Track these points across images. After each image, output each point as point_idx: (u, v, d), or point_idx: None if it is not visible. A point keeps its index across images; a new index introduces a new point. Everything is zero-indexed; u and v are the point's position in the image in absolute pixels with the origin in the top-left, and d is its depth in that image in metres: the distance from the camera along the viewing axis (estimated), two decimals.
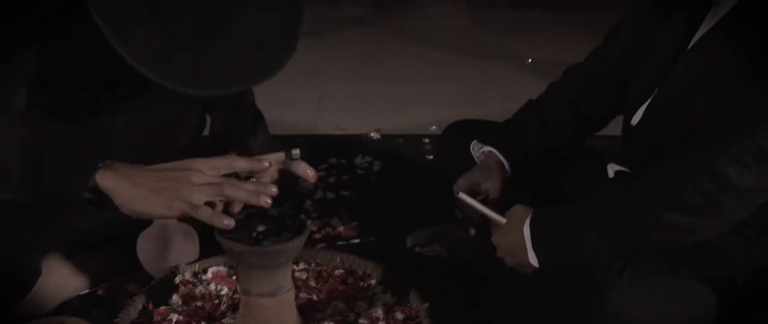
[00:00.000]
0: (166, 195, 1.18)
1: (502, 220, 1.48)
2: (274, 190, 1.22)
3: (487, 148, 1.64)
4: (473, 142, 1.69)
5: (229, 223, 1.18)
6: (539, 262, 1.40)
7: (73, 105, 1.48)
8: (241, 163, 1.25)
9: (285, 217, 1.28)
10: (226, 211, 1.25)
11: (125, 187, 1.19)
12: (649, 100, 1.45)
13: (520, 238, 1.41)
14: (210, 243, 1.55)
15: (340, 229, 1.89)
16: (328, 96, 3.29)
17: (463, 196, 1.52)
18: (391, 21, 5.06)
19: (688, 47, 1.40)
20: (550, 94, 1.71)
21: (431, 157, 2.44)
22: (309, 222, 1.29)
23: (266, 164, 1.27)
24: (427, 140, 2.61)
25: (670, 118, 1.39)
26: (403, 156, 2.48)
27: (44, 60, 1.38)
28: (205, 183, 1.20)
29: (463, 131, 1.77)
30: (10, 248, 1.48)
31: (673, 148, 1.34)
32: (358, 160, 2.41)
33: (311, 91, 3.30)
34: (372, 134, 2.68)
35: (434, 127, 2.76)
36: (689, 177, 1.25)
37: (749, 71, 1.27)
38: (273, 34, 1.32)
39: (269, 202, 1.21)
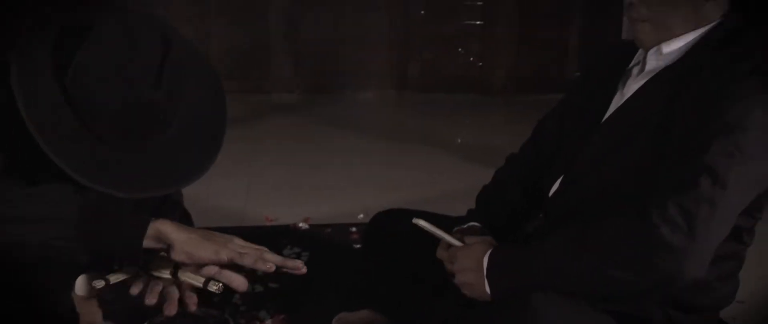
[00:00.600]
0: (217, 245, 1.38)
1: (458, 243, 1.54)
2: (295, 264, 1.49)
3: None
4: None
5: (271, 266, 1.42)
6: (492, 293, 1.46)
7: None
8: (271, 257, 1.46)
9: (208, 317, 1.31)
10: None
11: (183, 232, 1.37)
12: (566, 172, 1.56)
13: (478, 270, 1.47)
14: None
15: (268, 322, 1.91)
16: (256, 185, 3.32)
17: (419, 221, 1.56)
18: (321, 108, 5.15)
19: (601, 122, 1.54)
20: (503, 178, 1.82)
21: (359, 246, 2.48)
22: (230, 320, 1.33)
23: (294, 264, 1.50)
24: (353, 229, 2.66)
25: (585, 186, 1.51)
26: (331, 245, 2.53)
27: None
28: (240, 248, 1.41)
29: (391, 220, 1.84)
30: None
31: (588, 213, 1.44)
32: (287, 251, 2.44)
33: (239, 181, 3.33)
34: (300, 224, 2.72)
35: (362, 216, 2.81)
36: (624, 238, 1.34)
37: (654, 145, 1.39)
38: (199, 140, 1.39)
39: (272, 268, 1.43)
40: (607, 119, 1.53)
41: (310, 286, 2.16)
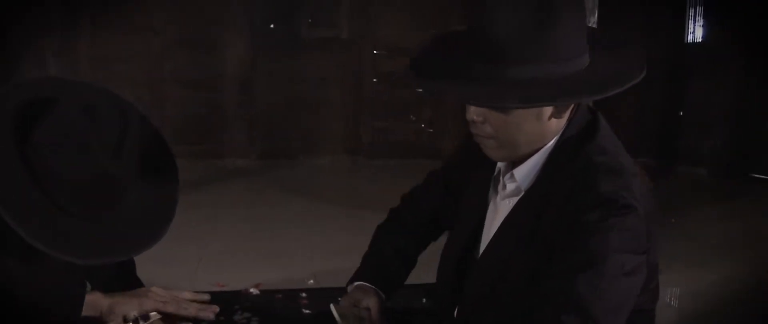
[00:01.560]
0: (138, 297, 1.60)
1: None
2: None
3: (357, 283, 1.82)
4: (348, 285, 1.86)
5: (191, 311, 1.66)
6: None
7: None
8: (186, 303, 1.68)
9: None
10: None
11: (108, 298, 1.58)
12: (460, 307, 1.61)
13: None
14: None
15: None
16: (209, 251, 3.35)
17: (333, 307, 1.67)
18: (276, 172, 5.20)
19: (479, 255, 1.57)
20: (394, 220, 1.91)
21: (308, 311, 2.51)
22: None
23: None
24: (303, 295, 2.69)
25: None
26: (281, 311, 2.55)
27: None
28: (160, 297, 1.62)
29: None
30: None
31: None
32: (237, 316, 2.46)
33: (192, 247, 3.35)
34: (251, 290, 2.74)
35: (311, 281, 2.86)
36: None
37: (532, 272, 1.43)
38: (152, 210, 1.47)
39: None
40: (483, 254, 1.56)
41: None
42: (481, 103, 1.41)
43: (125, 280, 1.86)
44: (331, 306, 1.95)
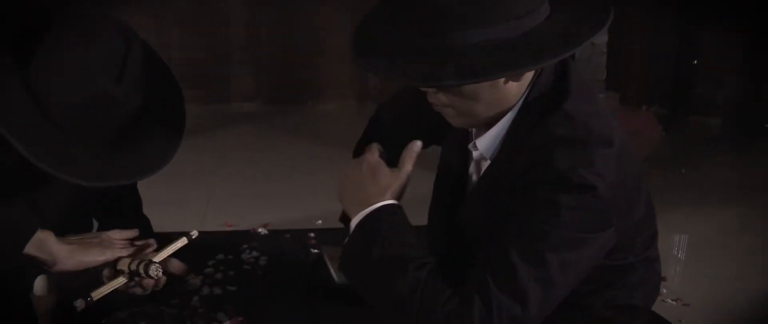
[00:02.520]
0: (94, 248, 1.49)
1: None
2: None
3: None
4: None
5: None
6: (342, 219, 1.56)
7: None
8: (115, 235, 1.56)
9: (165, 315, 1.35)
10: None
11: (65, 244, 1.48)
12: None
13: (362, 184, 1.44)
14: None
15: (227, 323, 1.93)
16: (217, 192, 3.34)
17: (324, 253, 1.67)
18: (282, 118, 5.18)
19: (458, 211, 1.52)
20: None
21: (316, 250, 2.51)
22: (188, 320, 1.36)
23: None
24: (312, 234, 2.68)
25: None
26: (290, 250, 2.54)
27: None
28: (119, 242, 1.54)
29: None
30: None
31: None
32: (245, 255, 2.46)
33: (201, 188, 3.36)
34: (259, 229, 2.74)
35: (320, 222, 2.85)
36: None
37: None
38: (159, 134, 1.46)
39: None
40: (458, 216, 1.51)
41: (268, 290, 2.19)
42: (417, 82, 1.33)
43: (131, 218, 1.85)
44: (322, 247, 1.93)
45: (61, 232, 1.69)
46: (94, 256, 1.49)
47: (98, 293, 1.40)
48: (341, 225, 2.06)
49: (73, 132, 1.38)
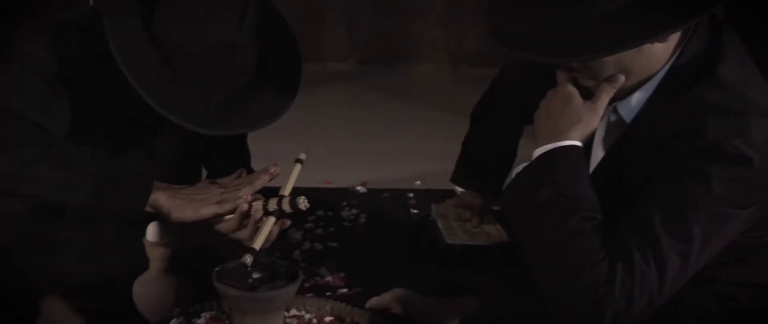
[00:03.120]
0: (197, 204, 1.43)
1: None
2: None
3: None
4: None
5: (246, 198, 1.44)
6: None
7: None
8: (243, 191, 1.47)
9: (278, 265, 1.35)
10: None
11: (169, 199, 1.43)
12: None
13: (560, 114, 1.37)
14: (203, 289, 1.62)
15: (328, 278, 1.94)
16: (315, 150, 3.36)
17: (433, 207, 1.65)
18: (375, 79, 5.17)
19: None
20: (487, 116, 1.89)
21: (415, 211, 2.50)
22: (300, 271, 1.37)
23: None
24: (411, 195, 2.68)
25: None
26: (389, 209, 2.54)
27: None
28: (221, 194, 1.47)
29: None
30: (11, 288, 1.54)
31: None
32: (345, 212, 2.47)
33: (299, 145, 3.37)
34: (358, 188, 2.75)
35: (419, 182, 2.83)
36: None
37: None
38: (276, 83, 1.46)
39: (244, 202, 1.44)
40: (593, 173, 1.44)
41: (368, 247, 2.19)
42: (569, 60, 1.29)
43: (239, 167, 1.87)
44: (433, 206, 1.96)
45: (174, 182, 1.72)
46: (189, 214, 1.46)
47: (258, 243, 1.38)
48: (448, 186, 2.04)
49: (193, 79, 1.40)
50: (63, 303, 1.65)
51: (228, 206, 1.45)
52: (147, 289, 1.60)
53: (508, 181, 1.71)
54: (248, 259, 1.33)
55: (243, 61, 1.44)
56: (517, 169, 1.49)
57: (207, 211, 1.44)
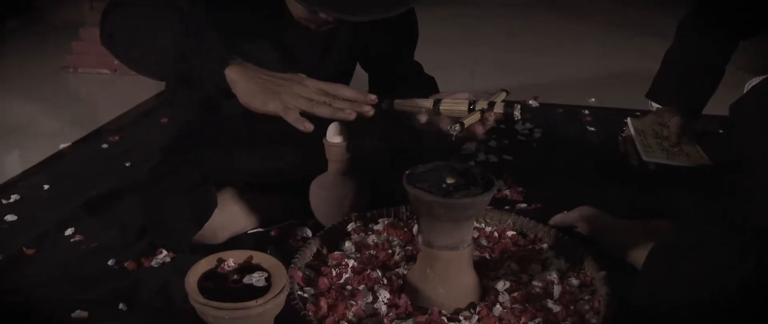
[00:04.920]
0: (269, 95, 1.28)
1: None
2: (372, 98, 1.30)
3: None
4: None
5: (307, 127, 1.25)
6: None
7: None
8: (346, 93, 1.31)
9: (473, 172, 1.27)
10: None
11: (244, 81, 1.30)
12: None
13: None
14: (378, 194, 1.57)
15: (507, 192, 1.85)
16: (482, 61, 3.26)
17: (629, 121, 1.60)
18: None
19: None
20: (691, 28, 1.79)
21: (592, 128, 2.37)
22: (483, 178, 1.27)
23: (372, 97, 1.31)
24: (586, 112, 2.54)
25: None
26: (563, 125, 2.42)
27: None
28: (304, 96, 1.29)
29: None
30: (191, 181, 1.54)
31: None
32: (519, 126, 2.38)
33: (466, 56, 3.28)
34: (530, 102, 2.63)
35: (593, 100, 2.69)
36: None
37: None
38: None
39: (353, 115, 1.27)
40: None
41: (545, 162, 2.09)
42: None
43: (413, 79, 1.79)
44: (628, 119, 1.83)
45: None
46: (256, 105, 1.29)
47: (469, 121, 1.31)
48: (622, 105, 1.89)
49: None
50: (238, 199, 1.64)
51: (289, 115, 1.27)
52: (324, 190, 1.57)
53: (746, 89, 1.58)
54: (457, 127, 1.27)
55: None
56: (752, 82, 1.35)
57: (274, 106, 1.28)
